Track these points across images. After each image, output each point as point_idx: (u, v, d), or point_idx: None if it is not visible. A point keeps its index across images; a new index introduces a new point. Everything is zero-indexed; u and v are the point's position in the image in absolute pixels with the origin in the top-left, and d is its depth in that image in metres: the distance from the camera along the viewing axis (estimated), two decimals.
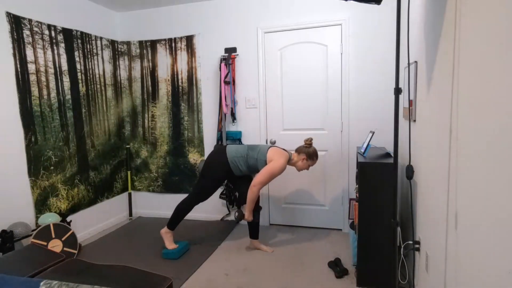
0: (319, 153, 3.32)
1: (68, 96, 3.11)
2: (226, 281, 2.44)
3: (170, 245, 2.85)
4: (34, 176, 2.78)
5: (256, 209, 2.85)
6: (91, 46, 3.39)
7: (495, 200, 0.88)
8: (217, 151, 2.79)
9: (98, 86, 3.51)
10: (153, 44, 3.71)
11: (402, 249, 2.22)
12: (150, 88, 3.79)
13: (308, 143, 2.76)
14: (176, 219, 2.85)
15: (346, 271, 2.47)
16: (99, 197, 3.52)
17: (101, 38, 3.53)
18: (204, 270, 2.60)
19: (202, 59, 3.57)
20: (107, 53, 3.63)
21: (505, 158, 0.82)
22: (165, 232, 2.87)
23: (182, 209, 2.83)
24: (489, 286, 0.92)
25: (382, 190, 2.17)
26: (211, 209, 3.74)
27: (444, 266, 1.39)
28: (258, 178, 2.61)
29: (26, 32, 2.71)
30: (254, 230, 2.92)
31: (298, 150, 2.78)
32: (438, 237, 1.49)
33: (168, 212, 3.88)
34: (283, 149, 2.75)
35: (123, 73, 3.85)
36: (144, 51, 3.75)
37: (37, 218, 2.78)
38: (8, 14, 2.57)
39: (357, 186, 2.42)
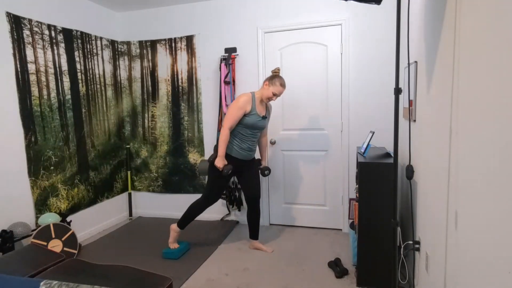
0: (319, 153, 3.33)
1: (68, 96, 3.11)
2: (226, 281, 2.44)
3: (173, 243, 2.84)
4: (34, 176, 2.78)
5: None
6: (91, 46, 3.39)
7: (495, 200, 0.88)
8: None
9: (98, 86, 3.51)
10: (153, 44, 3.71)
11: (402, 249, 2.22)
12: (150, 88, 3.79)
13: (273, 71, 2.68)
14: (187, 219, 2.81)
15: (346, 271, 2.47)
16: (99, 197, 3.52)
17: (101, 38, 3.53)
18: (204, 270, 2.60)
19: (202, 59, 3.57)
20: (107, 53, 3.62)
21: (505, 158, 0.82)
22: (174, 228, 2.85)
23: (194, 209, 2.79)
24: (489, 286, 0.92)
25: (382, 190, 2.17)
26: (211, 209, 3.73)
27: (444, 266, 1.39)
28: (224, 119, 2.58)
29: (26, 32, 2.71)
30: (254, 231, 2.92)
31: (264, 82, 2.68)
32: (438, 237, 1.49)
33: (168, 212, 3.89)
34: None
35: (123, 73, 3.85)
36: (144, 51, 3.75)
37: (37, 218, 2.78)
38: (8, 14, 2.57)
39: (357, 186, 2.42)
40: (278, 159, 3.46)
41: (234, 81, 3.43)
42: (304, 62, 3.26)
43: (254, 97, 2.62)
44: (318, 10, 3.17)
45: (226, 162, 2.58)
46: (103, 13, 3.59)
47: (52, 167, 2.94)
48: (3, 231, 2.44)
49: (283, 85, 2.60)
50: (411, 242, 2.07)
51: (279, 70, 2.67)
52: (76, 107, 3.20)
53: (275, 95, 2.60)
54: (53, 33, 2.95)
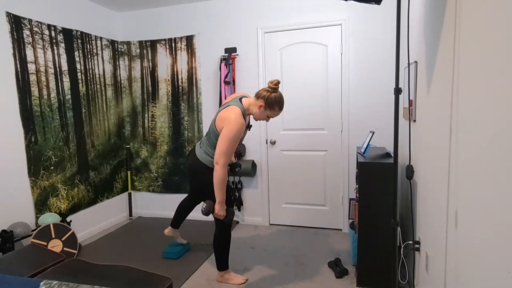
0: (319, 153, 3.32)
1: (68, 96, 3.11)
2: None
3: (238, 279, 2.40)
4: (34, 176, 2.78)
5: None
6: (91, 46, 3.39)
7: (495, 200, 0.88)
8: (191, 159, 2.30)
9: (98, 86, 3.51)
10: (153, 44, 3.71)
11: (402, 249, 2.22)
12: (150, 88, 3.79)
13: (273, 86, 2.15)
14: (223, 255, 2.37)
15: (346, 271, 2.47)
16: (99, 197, 3.51)
17: (101, 38, 3.53)
18: (204, 270, 2.60)
19: (202, 59, 3.57)
20: (107, 53, 3.62)
21: (505, 157, 0.82)
22: (221, 274, 2.42)
23: (222, 243, 2.34)
24: (489, 286, 0.92)
25: (382, 190, 2.17)
26: None
27: (444, 266, 1.39)
28: (217, 151, 2.06)
29: (26, 32, 2.71)
30: (180, 221, 2.76)
31: (258, 95, 2.18)
32: (438, 237, 1.49)
33: (168, 212, 3.89)
34: (235, 100, 2.21)
35: (123, 73, 3.85)
36: (144, 51, 3.75)
37: (37, 218, 2.78)
38: (8, 14, 2.57)
39: (357, 186, 2.42)
40: (278, 159, 3.46)
41: (234, 81, 3.43)
42: (304, 62, 3.26)
43: (244, 113, 2.16)
44: (318, 10, 3.17)
45: (226, 207, 2.17)
46: (103, 13, 3.59)
47: (52, 167, 2.94)
48: (3, 231, 2.44)
49: (282, 108, 2.21)
50: (411, 242, 2.07)
51: (278, 84, 2.16)
52: (76, 107, 3.20)
53: (270, 117, 2.23)
54: (53, 33, 2.95)
